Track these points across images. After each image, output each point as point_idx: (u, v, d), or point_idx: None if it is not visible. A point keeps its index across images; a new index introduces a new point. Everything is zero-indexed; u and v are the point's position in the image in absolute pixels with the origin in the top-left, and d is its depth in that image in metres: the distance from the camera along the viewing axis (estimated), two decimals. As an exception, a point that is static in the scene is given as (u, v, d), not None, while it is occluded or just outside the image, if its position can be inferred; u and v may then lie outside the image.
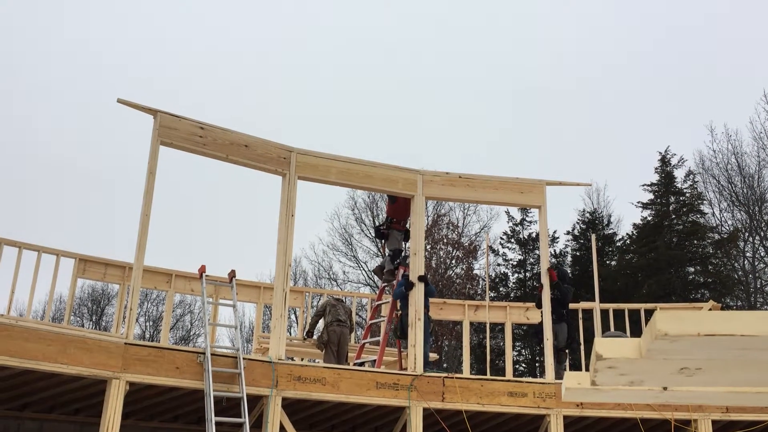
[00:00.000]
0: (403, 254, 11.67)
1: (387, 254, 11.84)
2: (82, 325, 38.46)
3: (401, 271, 11.15)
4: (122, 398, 8.02)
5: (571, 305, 12.16)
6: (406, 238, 11.66)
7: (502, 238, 36.14)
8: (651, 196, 33.51)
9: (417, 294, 10.19)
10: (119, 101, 8.74)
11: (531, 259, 35.09)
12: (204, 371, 8.40)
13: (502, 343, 26.55)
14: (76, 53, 61.82)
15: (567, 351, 11.75)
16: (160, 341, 20.20)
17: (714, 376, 2.57)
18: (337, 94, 60.29)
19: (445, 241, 34.32)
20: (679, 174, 33.49)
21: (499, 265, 35.67)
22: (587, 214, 35.93)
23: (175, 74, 62.41)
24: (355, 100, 60.42)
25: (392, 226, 11.63)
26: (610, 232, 35.42)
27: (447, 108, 57.96)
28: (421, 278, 10.24)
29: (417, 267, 10.34)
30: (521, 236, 35.91)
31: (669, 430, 10.06)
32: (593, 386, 2.79)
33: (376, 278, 33.05)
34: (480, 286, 32.76)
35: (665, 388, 2.96)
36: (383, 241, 11.94)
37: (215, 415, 8.05)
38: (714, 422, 10.15)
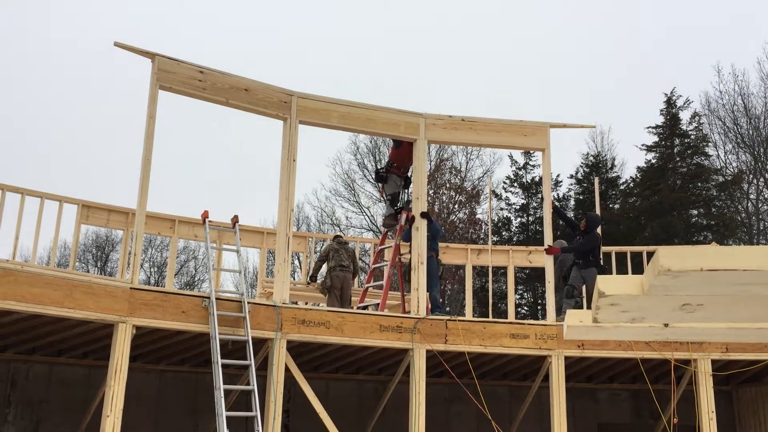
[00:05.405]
0: (400, 199, 11.60)
1: (386, 198, 11.80)
2: (87, 271, 38.78)
3: (404, 215, 11.13)
4: (129, 342, 8.12)
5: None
6: (406, 185, 11.57)
7: (505, 182, 36.12)
8: (656, 138, 33.30)
9: (420, 236, 10.19)
10: (116, 44, 8.60)
11: (534, 203, 35.09)
12: (209, 315, 8.49)
13: (504, 287, 26.72)
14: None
15: None
16: (165, 287, 20.38)
17: (715, 312, 2.58)
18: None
19: (447, 185, 34.27)
20: (685, 116, 33.24)
21: (502, 209, 35.75)
22: (591, 158, 35.78)
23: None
24: (351, 38, 59.66)
25: (391, 170, 11.52)
26: (613, 175, 35.32)
27: (447, 45, 57.27)
28: (423, 214, 10.20)
29: (419, 211, 10.32)
30: (524, 180, 35.84)
31: (669, 370, 10.18)
32: (595, 324, 2.80)
33: (378, 223, 33.14)
34: (483, 231, 32.84)
35: (666, 325, 2.97)
36: (382, 184, 11.87)
37: (221, 358, 8.18)
38: (714, 361, 10.26)
